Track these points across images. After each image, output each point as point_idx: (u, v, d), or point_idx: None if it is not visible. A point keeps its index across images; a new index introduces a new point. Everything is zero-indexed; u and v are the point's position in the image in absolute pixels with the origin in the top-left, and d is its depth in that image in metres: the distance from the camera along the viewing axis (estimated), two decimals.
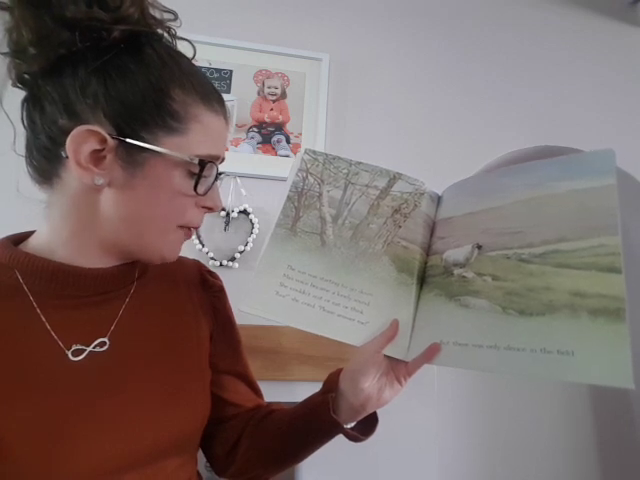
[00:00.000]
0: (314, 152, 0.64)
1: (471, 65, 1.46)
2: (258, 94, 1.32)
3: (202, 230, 1.20)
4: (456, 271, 0.55)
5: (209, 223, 1.21)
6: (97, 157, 0.46)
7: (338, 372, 0.59)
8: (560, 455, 1.61)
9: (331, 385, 0.58)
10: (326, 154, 0.64)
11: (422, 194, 0.62)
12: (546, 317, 0.45)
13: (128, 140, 0.46)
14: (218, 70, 1.30)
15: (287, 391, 1.09)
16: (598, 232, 0.46)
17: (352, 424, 0.58)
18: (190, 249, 1.17)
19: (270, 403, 0.68)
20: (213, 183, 0.52)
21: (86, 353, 0.48)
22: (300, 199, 0.62)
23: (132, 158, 0.47)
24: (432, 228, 0.61)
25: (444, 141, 1.39)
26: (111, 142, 0.46)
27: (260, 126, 1.29)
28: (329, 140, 1.31)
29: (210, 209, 0.54)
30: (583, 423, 1.64)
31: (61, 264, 0.49)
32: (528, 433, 1.61)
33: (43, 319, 0.47)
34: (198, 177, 0.49)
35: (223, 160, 0.55)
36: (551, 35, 1.54)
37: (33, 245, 0.51)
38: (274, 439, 0.61)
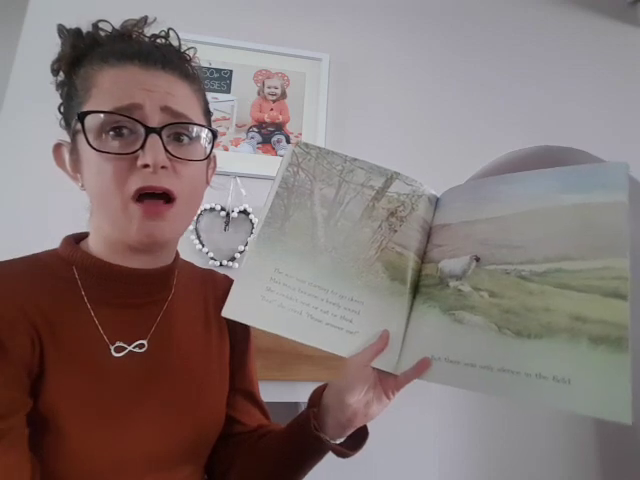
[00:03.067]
0: (307, 145, 0.59)
1: (471, 65, 1.45)
2: (258, 94, 1.31)
3: (202, 230, 1.19)
4: (452, 283, 0.52)
5: (209, 223, 1.21)
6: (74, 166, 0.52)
7: (324, 387, 0.57)
8: (560, 457, 1.61)
9: (314, 400, 0.57)
10: (319, 148, 0.60)
11: (420, 196, 0.58)
12: (544, 340, 0.43)
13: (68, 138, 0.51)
14: (218, 70, 1.29)
15: (287, 391, 1.08)
16: (604, 253, 0.43)
17: (342, 439, 0.56)
18: (190, 249, 1.17)
19: (272, 424, 0.66)
20: (146, 137, 0.47)
21: (127, 351, 0.51)
22: (290, 196, 0.57)
23: (74, 147, 0.51)
24: (428, 233, 0.58)
25: (444, 141, 1.38)
26: (68, 146, 0.52)
27: (260, 126, 1.29)
28: (329, 140, 1.30)
29: (146, 167, 0.47)
30: (583, 424, 1.63)
31: (107, 263, 0.52)
32: (528, 435, 1.61)
33: (92, 314, 0.50)
34: (83, 130, 0.47)
35: (173, 110, 0.49)
36: (551, 35, 1.52)
37: (89, 244, 0.55)
38: (266, 460, 0.59)
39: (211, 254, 1.16)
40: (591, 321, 0.41)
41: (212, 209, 1.20)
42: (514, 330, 0.45)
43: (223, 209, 1.19)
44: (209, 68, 1.28)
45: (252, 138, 1.27)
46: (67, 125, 0.52)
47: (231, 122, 1.29)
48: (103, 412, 0.47)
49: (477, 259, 0.51)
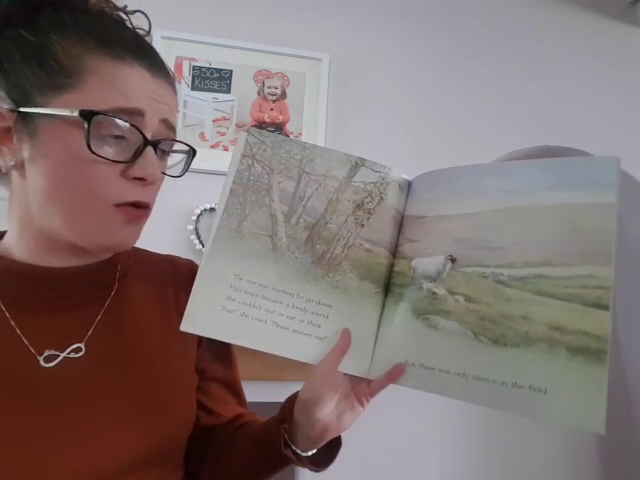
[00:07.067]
0: (260, 133, 0.53)
1: (471, 65, 1.43)
2: (258, 94, 1.30)
3: (202, 230, 1.20)
4: (425, 285, 0.48)
5: (209, 223, 1.21)
6: (8, 136, 0.43)
7: (295, 397, 0.52)
8: (560, 456, 1.61)
9: (285, 414, 0.52)
10: (275, 135, 0.54)
11: (389, 183, 0.53)
12: (520, 349, 0.41)
13: (21, 109, 0.41)
14: (218, 70, 1.28)
15: (288, 391, 1.09)
16: (588, 259, 0.40)
17: (313, 450, 0.53)
18: (190, 249, 1.17)
19: (248, 413, 0.62)
20: (144, 149, 0.43)
21: (60, 359, 0.45)
22: (246, 193, 0.51)
23: (29, 128, 0.42)
24: (400, 224, 0.53)
25: (444, 141, 1.37)
26: (9, 116, 0.42)
27: (260, 126, 1.28)
28: (329, 140, 1.29)
29: (141, 180, 0.44)
30: None
31: (27, 265, 0.46)
32: (528, 434, 1.61)
33: (12, 323, 0.45)
34: (87, 131, 0.40)
35: (169, 123, 0.47)
36: (551, 35, 1.50)
37: (6, 244, 0.48)
38: (235, 465, 0.56)
39: None
40: (570, 332, 0.39)
41: (212, 209, 1.19)
42: (491, 338, 0.43)
43: None
44: (209, 68, 1.28)
45: None
46: (8, 89, 0.42)
47: (231, 122, 1.29)
48: (26, 434, 0.41)
49: (453, 260, 0.47)
